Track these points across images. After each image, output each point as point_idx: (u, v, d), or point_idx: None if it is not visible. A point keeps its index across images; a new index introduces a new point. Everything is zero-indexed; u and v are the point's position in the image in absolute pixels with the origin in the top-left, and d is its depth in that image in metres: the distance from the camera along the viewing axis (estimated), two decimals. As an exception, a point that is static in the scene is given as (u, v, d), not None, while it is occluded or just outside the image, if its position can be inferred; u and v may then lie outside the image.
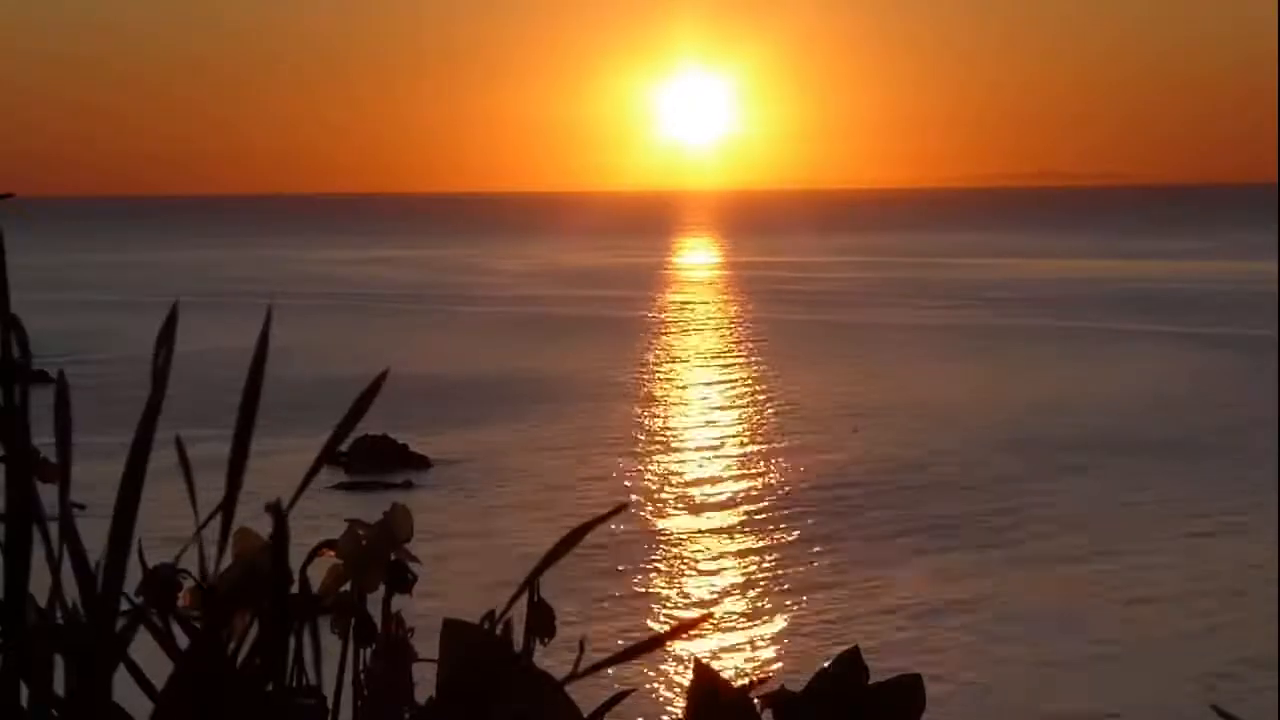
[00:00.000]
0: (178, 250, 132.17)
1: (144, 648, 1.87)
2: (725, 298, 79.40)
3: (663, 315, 67.42)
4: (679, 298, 77.46)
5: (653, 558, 24.56)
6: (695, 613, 21.47)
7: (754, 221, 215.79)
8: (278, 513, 1.73)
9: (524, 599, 2.17)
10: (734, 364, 50.14)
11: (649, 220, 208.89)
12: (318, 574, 2.14)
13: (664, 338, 57.18)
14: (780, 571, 24.17)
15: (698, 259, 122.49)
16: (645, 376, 46.07)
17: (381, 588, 2.19)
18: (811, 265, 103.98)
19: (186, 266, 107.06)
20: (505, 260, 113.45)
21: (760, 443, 35.20)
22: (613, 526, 23.39)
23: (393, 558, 2.18)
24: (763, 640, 20.78)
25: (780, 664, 19.47)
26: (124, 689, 1.84)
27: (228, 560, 1.91)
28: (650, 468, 31.93)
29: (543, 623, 2.21)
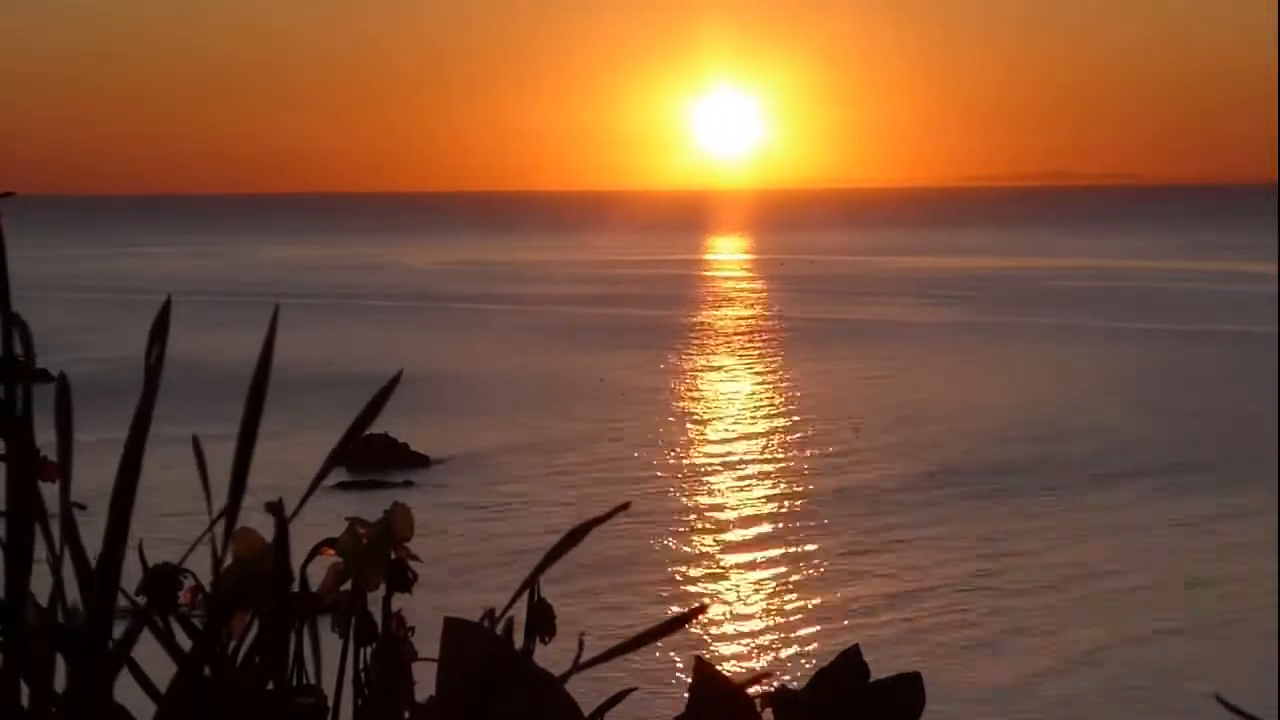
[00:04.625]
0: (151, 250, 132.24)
1: (145, 647, 1.87)
2: (731, 297, 79.39)
3: (664, 316, 67.41)
4: (683, 297, 77.43)
5: (653, 554, 24.56)
6: (693, 605, 21.45)
7: (769, 220, 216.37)
8: (279, 513, 1.73)
9: (524, 597, 2.17)
10: (741, 364, 50.14)
11: (670, 219, 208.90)
12: (318, 573, 2.13)
13: (665, 338, 57.18)
14: (780, 567, 24.17)
15: (722, 256, 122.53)
16: (644, 375, 46.06)
17: (382, 587, 2.19)
18: (801, 262, 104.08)
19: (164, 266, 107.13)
20: (528, 256, 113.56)
21: (761, 440, 35.20)
22: (612, 522, 23.37)
23: (393, 557, 2.18)
24: (759, 634, 20.79)
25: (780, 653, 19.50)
26: (125, 688, 1.84)
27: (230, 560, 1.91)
28: (650, 466, 31.92)
29: (543, 621, 2.21)
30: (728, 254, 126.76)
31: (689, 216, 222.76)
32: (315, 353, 47.01)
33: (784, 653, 20.20)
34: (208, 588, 1.93)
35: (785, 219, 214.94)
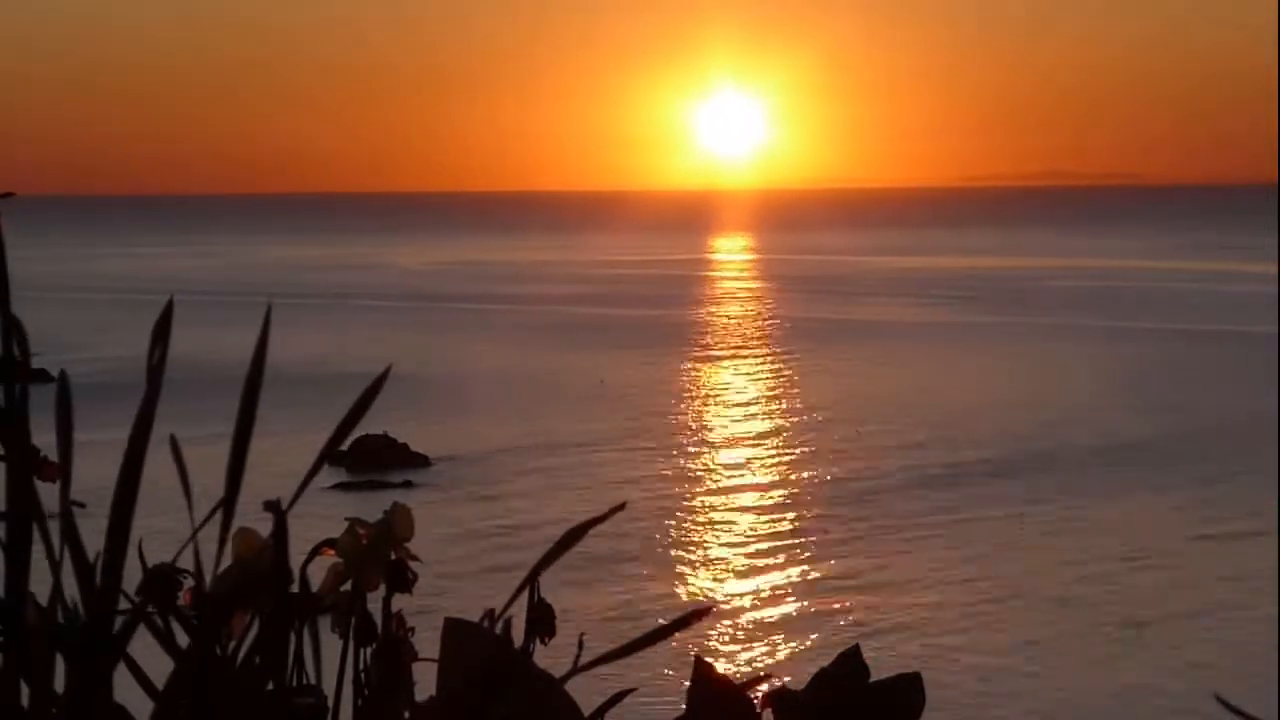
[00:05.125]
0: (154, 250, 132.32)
1: (145, 646, 1.87)
2: (732, 297, 79.41)
3: (665, 316, 67.43)
4: (684, 297, 77.43)
5: (652, 554, 24.56)
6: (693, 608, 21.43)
7: (772, 220, 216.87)
8: (277, 511, 1.73)
9: (525, 597, 2.17)
10: (741, 364, 50.18)
11: (673, 219, 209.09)
12: (318, 573, 2.13)
13: (666, 338, 57.19)
14: (781, 567, 24.18)
15: (724, 256, 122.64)
16: (645, 375, 46.06)
17: (382, 587, 2.18)
18: (803, 262, 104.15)
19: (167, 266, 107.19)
20: (524, 255, 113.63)
21: (761, 441, 35.22)
22: (617, 524, 23.38)
23: (393, 557, 2.18)
24: (763, 636, 20.80)
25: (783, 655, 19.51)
26: (125, 688, 1.84)
27: (228, 559, 1.91)
28: (650, 466, 31.92)
29: (543, 622, 2.21)
30: (730, 254, 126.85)
31: (692, 216, 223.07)
32: (314, 352, 47.01)
33: (783, 652, 20.21)
34: (205, 587, 1.93)
35: (788, 219, 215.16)
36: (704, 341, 56.59)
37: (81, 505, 1.81)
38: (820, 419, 37.71)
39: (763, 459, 33.12)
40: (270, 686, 1.87)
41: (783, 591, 23.04)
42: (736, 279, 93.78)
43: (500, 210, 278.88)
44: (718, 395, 42.88)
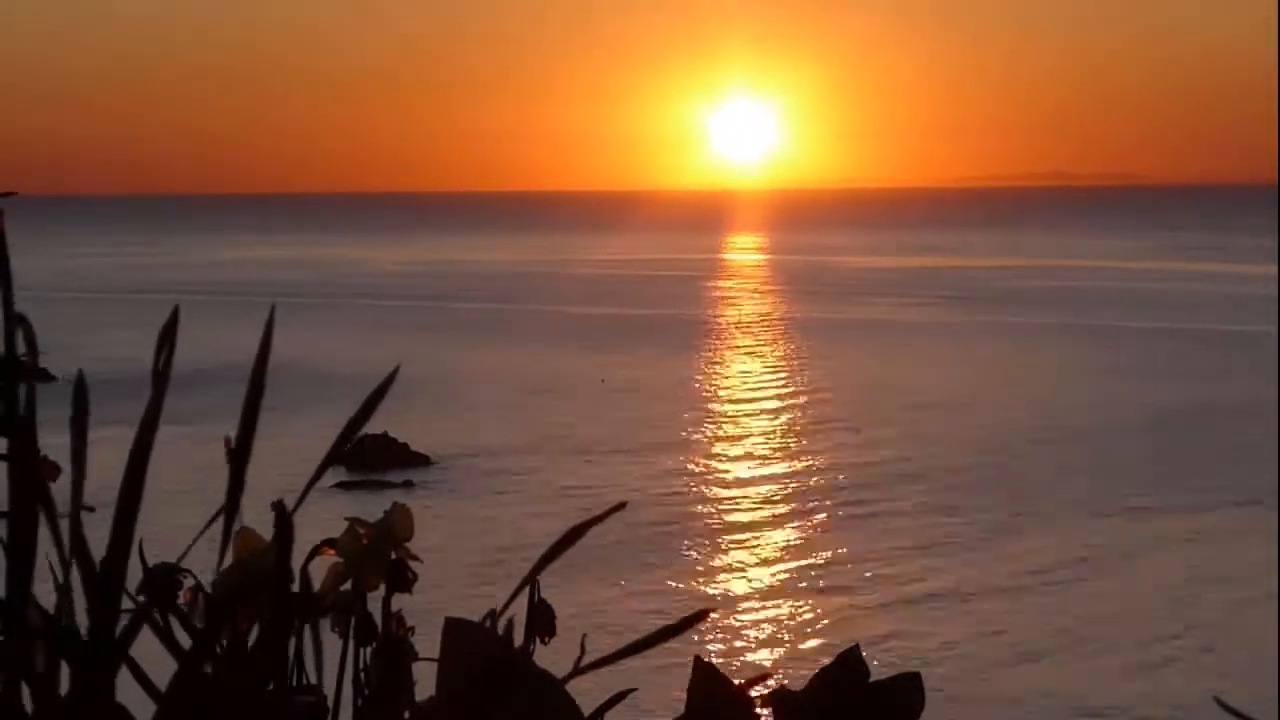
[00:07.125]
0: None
1: (146, 647, 1.87)
2: (736, 296, 79.42)
3: (667, 315, 67.40)
4: (686, 296, 77.41)
5: (652, 554, 24.56)
6: (696, 608, 21.43)
7: (779, 220, 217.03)
8: (281, 512, 1.74)
9: (525, 597, 2.17)
10: (742, 364, 50.18)
11: (683, 219, 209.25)
12: (318, 573, 2.14)
13: (667, 338, 57.16)
14: (781, 567, 24.18)
15: (730, 256, 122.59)
16: (645, 375, 46.06)
17: (382, 587, 2.19)
18: (808, 262, 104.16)
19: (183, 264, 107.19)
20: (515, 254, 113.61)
21: (759, 440, 35.21)
22: (614, 522, 23.35)
23: (393, 557, 2.18)
24: (757, 633, 20.81)
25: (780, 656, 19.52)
26: (126, 688, 1.85)
27: (230, 560, 1.92)
28: (650, 465, 31.91)
29: (543, 622, 2.21)
30: (736, 253, 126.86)
31: (703, 217, 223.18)
32: (316, 352, 47.01)
33: (783, 651, 20.21)
34: (208, 587, 1.93)
35: (797, 219, 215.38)
36: (704, 341, 56.56)
37: (90, 509, 1.81)
38: (817, 418, 37.69)
39: (758, 457, 33.10)
40: (270, 686, 1.87)
41: (779, 588, 23.04)
42: (743, 278, 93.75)
43: (509, 210, 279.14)
44: (716, 394, 42.86)
